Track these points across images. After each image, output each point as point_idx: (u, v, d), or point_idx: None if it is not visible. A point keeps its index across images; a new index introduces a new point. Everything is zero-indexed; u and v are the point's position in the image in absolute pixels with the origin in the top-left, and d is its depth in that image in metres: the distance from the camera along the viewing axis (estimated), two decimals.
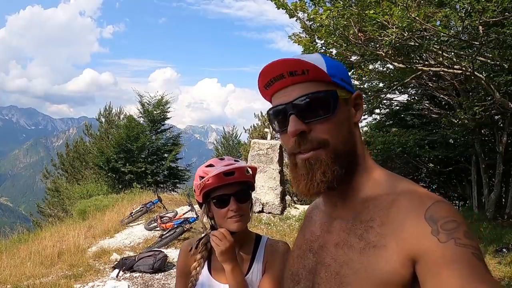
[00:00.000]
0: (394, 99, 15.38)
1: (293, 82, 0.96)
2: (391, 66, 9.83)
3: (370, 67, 11.64)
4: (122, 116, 27.08)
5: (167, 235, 8.43)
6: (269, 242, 1.71)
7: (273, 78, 0.97)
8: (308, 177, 0.96)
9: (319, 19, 5.96)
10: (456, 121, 11.98)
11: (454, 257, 0.76)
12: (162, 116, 23.39)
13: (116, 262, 6.96)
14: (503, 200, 14.59)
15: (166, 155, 23.09)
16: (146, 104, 23.17)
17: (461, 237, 0.79)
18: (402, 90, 13.73)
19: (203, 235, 1.74)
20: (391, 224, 0.87)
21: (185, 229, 8.70)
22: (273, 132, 13.35)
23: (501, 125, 12.25)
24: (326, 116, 0.94)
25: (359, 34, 5.85)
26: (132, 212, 11.09)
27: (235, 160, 1.65)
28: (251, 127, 27.76)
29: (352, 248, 0.92)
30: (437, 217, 0.82)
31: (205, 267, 1.69)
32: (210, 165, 1.63)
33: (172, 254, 7.58)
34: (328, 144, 0.94)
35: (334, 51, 7.72)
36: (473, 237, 0.80)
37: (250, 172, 1.66)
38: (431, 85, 12.39)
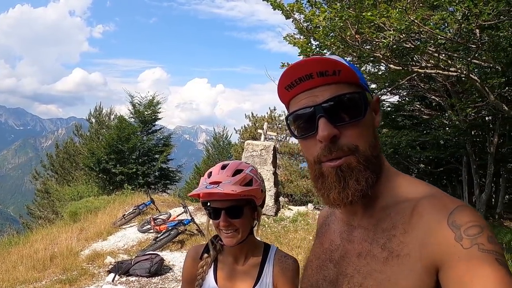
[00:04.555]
0: (385, 100, 15.46)
1: (323, 82, 0.90)
2: (383, 68, 9.87)
3: (362, 68, 11.67)
4: (112, 117, 26.89)
5: (162, 237, 8.36)
6: (277, 255, 1.67)
7: (299, 78, 0.90)
8: (340, 186, 0.90)
9: (317, 21, 5.96)
10: (447, 122, 12.08)
11: (477, 263, 0.75)
12: (153, 117, 23.26)
13: (112, 266, 6.87)
14: (493, 200, 14.76)
15: (157, 156, 22.97)
16: (137, 104, 23.03)
17: (485, 242, 0.77)
18: (394, 91, 13.81)
19: (207, 242, 1.72)
20: (413, 231, 0.85)
21: (180, 231, 8.64)
22: (266, 133, 13.32)
23: (491, 126, 12.38)
24: (358, 119, 0.90)
25: (356, 36, 5.86)
26: (124, 214, 10.99)
27: (236, 171, 1.56)
28: (242, 128, 27.68)
29: (375, 258, 0.89)
30: (460, 222, 0.80)
31: (211, 275, 1.67)
32: (210, 173, 1.58)
33: (167, 257, 7.52)
34: (358, 150, 0.89)
35: (328, 53, 7.72)
36: (497, 242, 0.79)
37: (251, 191, 1.55)
38: (423, 86, 12.46)
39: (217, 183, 1.50)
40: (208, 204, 1.56)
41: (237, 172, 1.56)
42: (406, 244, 0.85)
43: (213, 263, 1.68)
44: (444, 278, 0.78)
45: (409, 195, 0.92)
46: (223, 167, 1.59)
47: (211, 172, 1.59)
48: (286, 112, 1.02)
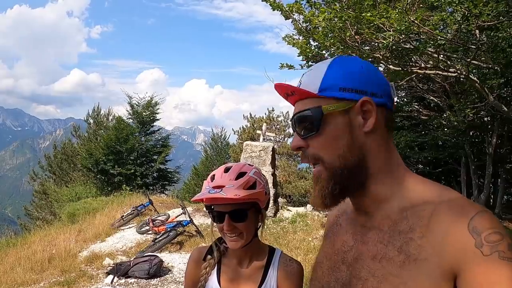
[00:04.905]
0: None
1: (294, 100, 1.01)
2: (381, 69, 9.89)
3: None
4: (110, 118, 26.85)
5: (160, 238, 8.33)
6: (282, 259, 1.66)
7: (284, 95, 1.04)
8: (313, 192, 0.99)
9: (316, 21, 5.95)
10: (446, 123, 12.07)
11: (497, 271, 0.74)
12: (151, 118, 23.27)
13: (110, 268, 6.85)
14: (491, 201, 14.76)
15: (155, 157, 22.99)
16: (135, 105, 23.02)
17: (505, 250, 0.76)
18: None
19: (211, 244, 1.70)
20: (432, 235, 0.83)
21: (179, 232, 8.62)
22: (265, 134, 13.31)
23: (489, 126, 12.37)
24: (312, 134, 0.95)
25: (355, 37, 5.86)
26: (123, 215, 10.96)
27: (239, 174, 1.52)
28: (240, 129, 27.61)
29: (391, 261, 0.87)
30: (481, 228, 0.79)
31: (215, 277, 1.65)
32: (212, 177, 1.56)
33: (166, 258, 7.49)
34: (323, 161, 0.95)
35: (327, 53, 7.72)
36: None
37: (254, 194, 1.51)
38: (421, 87, 12.45)
39: (220, 187, 1.47)
40: (212, 207, 1.55)
41: (241, 175, 1.53)
42: (424, 248, 0.83)
43: (216, 265, 1.66)
44: (462, 284, 0.77)
45: (427, 198, 0.90)
46: (226, 170, 1.56)
47: (214, 175, 1.56)
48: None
